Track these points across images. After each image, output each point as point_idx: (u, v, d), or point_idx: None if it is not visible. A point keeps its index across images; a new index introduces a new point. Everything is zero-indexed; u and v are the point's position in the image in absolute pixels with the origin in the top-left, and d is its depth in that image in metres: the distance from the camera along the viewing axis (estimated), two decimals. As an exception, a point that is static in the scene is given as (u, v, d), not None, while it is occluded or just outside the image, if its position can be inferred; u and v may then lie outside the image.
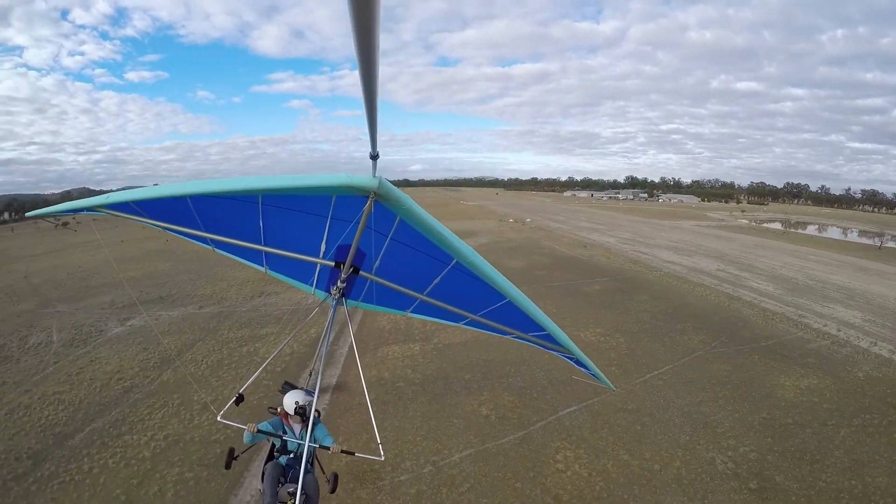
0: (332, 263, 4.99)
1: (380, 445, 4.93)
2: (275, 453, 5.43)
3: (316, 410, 5.52)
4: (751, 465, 10.82)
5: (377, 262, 4.84)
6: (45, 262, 44.18)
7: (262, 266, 5.68)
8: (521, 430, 12.80)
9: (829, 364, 16.31)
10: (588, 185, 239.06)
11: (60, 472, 11.22)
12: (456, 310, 5.51)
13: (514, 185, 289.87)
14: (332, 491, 5.09)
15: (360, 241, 4.16)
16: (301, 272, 5.74)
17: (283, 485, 5.02)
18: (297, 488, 4.70)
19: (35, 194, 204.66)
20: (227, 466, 5.38)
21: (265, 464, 5.30)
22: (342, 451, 5.16)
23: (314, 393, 5.30)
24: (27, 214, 5.27)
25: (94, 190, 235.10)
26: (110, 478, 11.00)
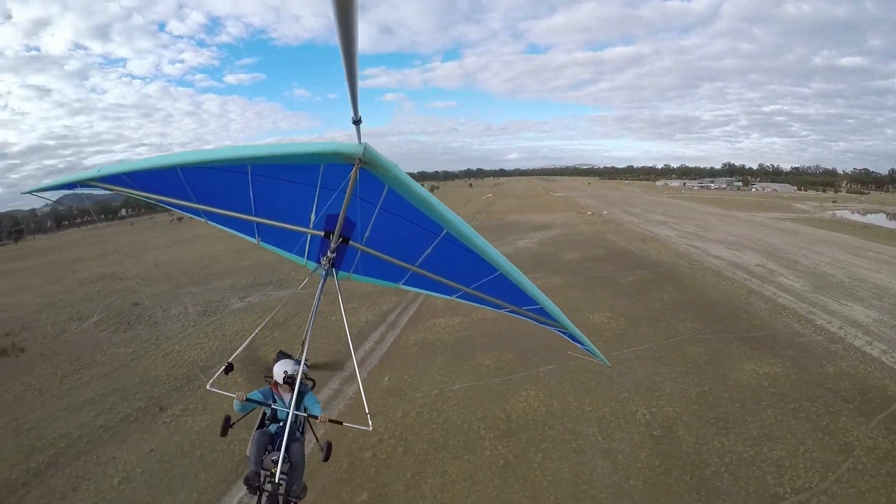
0: (322, 233, 5.02)
1: (368, 416, 5.05)
2: (265, 422, 5.48)
3: (310, 380, 5.79)
4: (664, 420, 13.83)
5: (367, 233, 4.85)
6: (169, 253, 55.83)
7: (255, 238, 5.77)
8: (506, 376, 17.00)
9: (806, 357, 17.84)
10: (684, 172, 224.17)
11: (203, 387, 17.67)
12: (448, 282, 5.52)
13: (609, 173, 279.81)
14: (326, 459, 5.14)
15: (348, 210, 4.19)
16: (292, 243, 5.84)
17: (269, 452, 5.11)
18: (280, 456, 4.80)
19: None
20: (223, 433, 5.37)
21: (255, 431, 5.38)
22: (330, 421, 5.18)
23: (301, 363, 5.35)
24: (22, 192, 5.02)
25: None
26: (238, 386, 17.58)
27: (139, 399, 16.94)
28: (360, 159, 3.07)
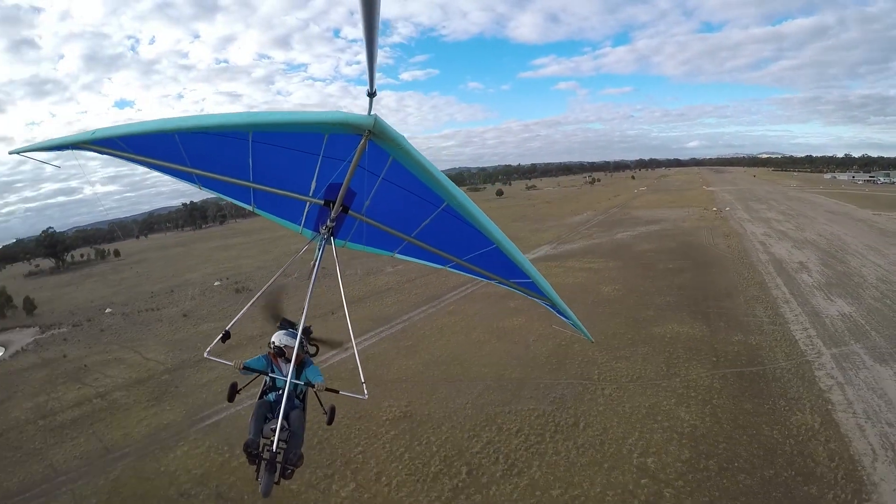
0: (322, 202, 4.93)
1: (364, 385, 5.19)
2: (265, 391, 5.47)
3: (314, 345, 5.82)
4: (566, 338, 21.24)
5: (367, 202, 4.80)
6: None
7: (249, 204, 5.63)
8: (498, 316, 25.92)
9: (730, 327, 22.43)
10: (866, 163, 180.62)
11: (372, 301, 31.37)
12: (443, 253, 5.49)
13: (786, 164, 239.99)
14: (329, 422, 5.24)
15: (351, 180, 4.07)
16: (289, 210, 5.70)
17: (268, 421, 5.11)
18: (278, 424, 4.82)
19: None
20: (230, 399, 5.35)
21: (256, 401, 5.36)
22: (327, 389, 5.25)
23: (296, 334, 5.33)
24: (9, 152, 4.73)
25: None
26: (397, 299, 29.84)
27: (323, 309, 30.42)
28: (369, 130, 2.96)
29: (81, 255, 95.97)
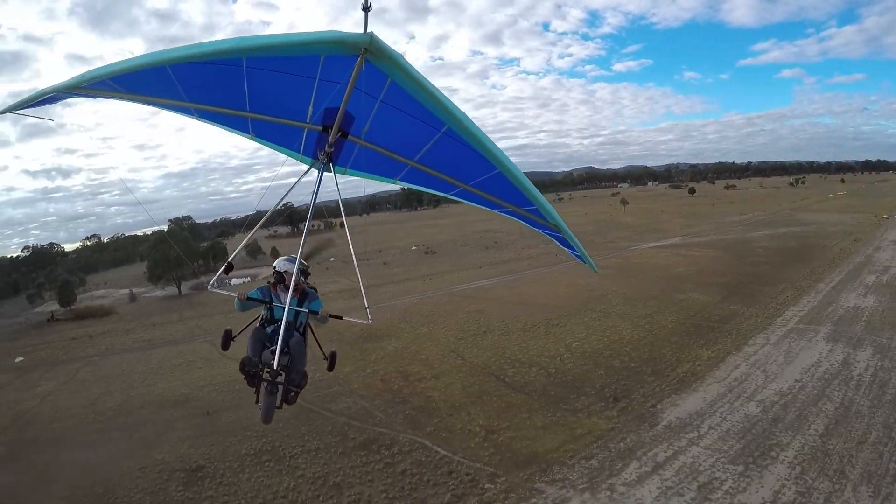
0: (320, 127, 4.74)
1: (368, 310, 5.22)
2: (264, 325, 5.24)
3: (306, 280, 5.47)
4: (595, 292, 27.83)
5: (366, 126, 4.60)
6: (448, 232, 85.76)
7: (248, 133, 5.40)
8: (514, 275, 33.37)
9: (740, 303, 24.74)
10: None
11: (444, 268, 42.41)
12: (447, 178, 5.30)
13: None
14: (330, 368, 5.23)
15: (348, 103, 3.88)
16: (287, 137, 5.49)
17: (267, 348, 4.94)
18: (277, 347, 4.69)
19: (547, 172, 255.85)
20: (224, 347, 5.28)
21: (252, 330, 5.15)
22: (331, 316, 5.16)
23: (295, 261, 5.18)
24: (0, 112, 4.32)
25: (599, 169, 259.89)
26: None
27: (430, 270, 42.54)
28: (365, 49, 2.74)
29: (313, 226, 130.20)
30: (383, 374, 19.69)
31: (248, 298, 5.07)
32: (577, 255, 5.55)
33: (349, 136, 4.83)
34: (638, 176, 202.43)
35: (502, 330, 24.07)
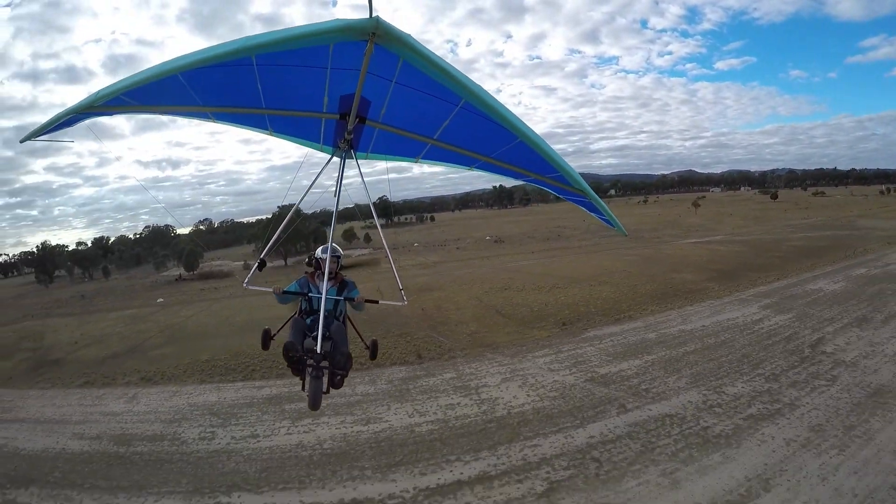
0: (337, 116, 4.70)
1: (402, 292, 5.34)
2: (302, 317, 5.29)
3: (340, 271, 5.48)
4: (618, 265, 33.30)
5: (383, 109, 4.53)
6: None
7: (267, 129, 5.36)
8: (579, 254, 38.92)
9: (722, 282, 28.80)
10: None
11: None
12: (469, 152, 5.22)
13: None
14: (373, 357, 5.34)
15: (363, 88, 3.83)
16: (306, 129, 5.44)
17: (308, 336, 4.99)
18: (319, 331, 4.71)
19: (646, 174, 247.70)
20: (265, 347, 5.34)
21: (291, 321, 5.24)
22: (366, 301, 5.26)
23: (328, 250, 5.16)
24: (20, 140, 4.32)
25: (699, 172, 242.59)
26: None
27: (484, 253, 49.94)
28: (373, 33, 2.74)
29: (406, 218, 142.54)
30: (423, 307, 28.22)
31: (285, 292, 5.05)
32: (604, 220, 5.43)
33: (367, 121, 4.77)
34: (732, 181, 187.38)
35: (518, 289, 31.28)
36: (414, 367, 18.10)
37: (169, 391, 17.70)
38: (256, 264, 5.29)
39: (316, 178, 5.57)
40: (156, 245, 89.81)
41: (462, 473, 10.33)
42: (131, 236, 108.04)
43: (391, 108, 4.51)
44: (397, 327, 23.76)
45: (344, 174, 5.81)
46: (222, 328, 26.86)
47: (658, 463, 10.65)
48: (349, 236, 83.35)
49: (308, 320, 5.14)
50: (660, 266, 35.58)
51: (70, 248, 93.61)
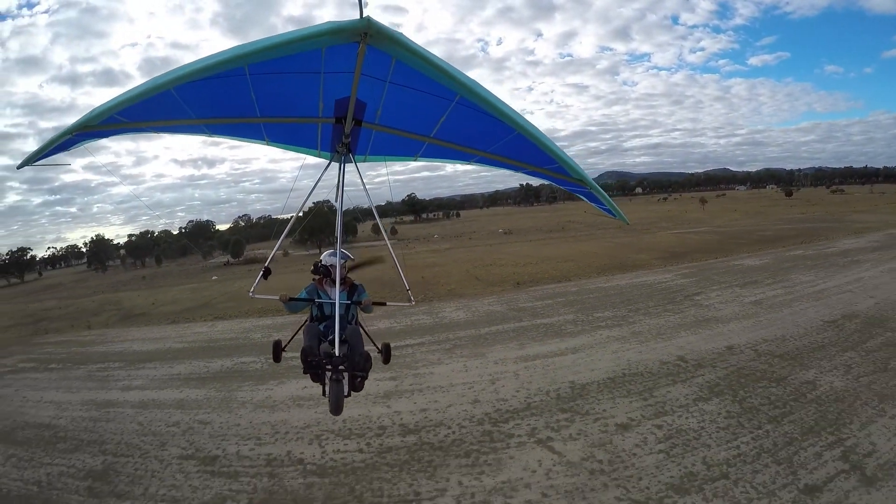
0: (333, 120, 4.63)
1: (409, 292, 5.45)
2: (314, 322, 5.12)
3: (360, 284, 5.47)
4: (594, 249, 39.30)
5: (378, 110, 4.47)
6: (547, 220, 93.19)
7: (262, 139, 5.21)
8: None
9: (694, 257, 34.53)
10: None
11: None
12: (465, 148, 5.17)
13: None
14: (386, 361, 5.23)
15: (357, 90, 3.77)
16: (303, 136, 5.36)
17: (322, 342, 4.82)
18: (336, 335, 4.60)
19: (680, 173, 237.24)
20: (276, 359, 5.26)
21: (305, 326, 5.12)
22: (374, 303, 5.24)
23: (343, 255, 5.11)
24: (17, 167, 4.25)
25: (734, 171, 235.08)
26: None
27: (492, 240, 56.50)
28: (365, 33, 2.69)
29: (433, 215, 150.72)
30: (424, 276, 35.45)
31: (292, 300, 4.95)
32: (605, 209, 5.39)
33: (363, 124, 4.71)
34: (759, 179, 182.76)
35: (501, 265, 38.08)
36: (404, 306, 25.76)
37: (237, 321, 25.90)
38: (262, 272, 5.10)
39: (315, 185, 5.44)
40: (199, 237, 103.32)
41: (412, 343, 17.37)
42: (175, 230, 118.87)
43: (387, 109, 4.41)
44: (400, 287, 31.13)
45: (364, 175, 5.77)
46: (268, 293, 35.75)
47: (520, 341, 17.44)
48: (377, 230, 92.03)
49: (322, 326, 5.01)
50: (627, 250, 41.19)
51: (117, 242, 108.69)
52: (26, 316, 37.98)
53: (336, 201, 5.24)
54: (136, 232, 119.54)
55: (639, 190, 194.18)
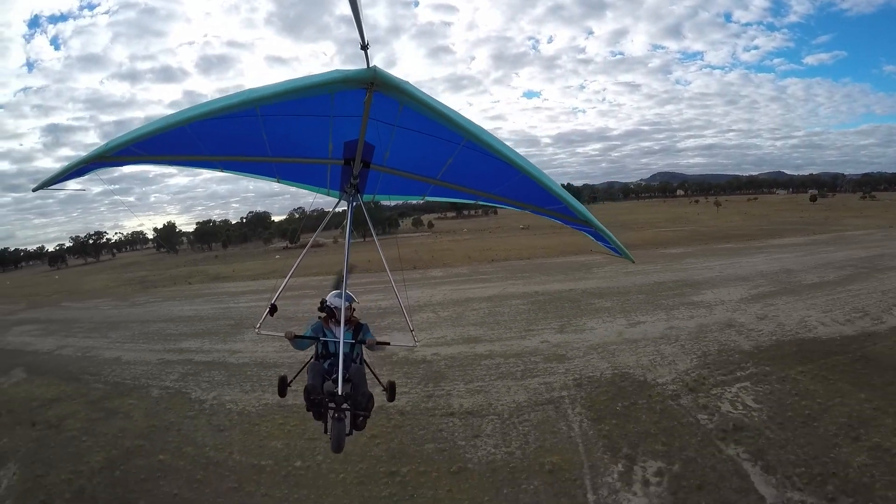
0: (342, 161, 4.62)
1: (413, 334, 5.08)
2: (319, 360, 4.97)
3: (361, 321, 5.25)
4: (578, 241, 49.47)
5: (386, 153, 4.47)
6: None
7: (274, 177, 5.26)
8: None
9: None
10: None
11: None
12: (472, 190, 5.18)
13: None
14: (391, 399, 4.97)
15: (366, 134, 3.81)
16: (312, 176, 5.38)
17: (326, 381, 4.66)
18: (340, 373, 4.44)
19: (734, 175, 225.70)
20: (281, 394, 5.04)
21: (309, 363, 4.99)
22: (378, 343, 5.00)
23: (342, 296, 4.97)
24: (33, 189, 4.34)
25: (789, 174, 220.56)
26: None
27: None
28: (372, 83, 2.75)
29: (473, 212, 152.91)
30: (433, 255, 47.74)
31: (297, 337, 4.83)
32: (611, 248, 5.31)
33: (372, 166, 4.69)
34: (801, 183, 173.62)
35: (496, 250, 48.79)
36: (408, 271, 37.91)
37: (300, 279, 39.67)
38: (267, 309, 4.93)
39: (325, 221, 5.98)
40: (258, 227, 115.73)
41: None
42: (235, 220, 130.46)
43: (395, 152, 4.41)
44: (412, 262, 43.61)
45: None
46: (324, 269, 49.75)
47: (457, 285, 29.23)
48: (416, 223, 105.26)
49: (325, 364, 4.88)
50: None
51: (188, 229, 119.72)
52: (126, 281, 50.56)
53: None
54: (193, 221, 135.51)
55: (680, 192, 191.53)
